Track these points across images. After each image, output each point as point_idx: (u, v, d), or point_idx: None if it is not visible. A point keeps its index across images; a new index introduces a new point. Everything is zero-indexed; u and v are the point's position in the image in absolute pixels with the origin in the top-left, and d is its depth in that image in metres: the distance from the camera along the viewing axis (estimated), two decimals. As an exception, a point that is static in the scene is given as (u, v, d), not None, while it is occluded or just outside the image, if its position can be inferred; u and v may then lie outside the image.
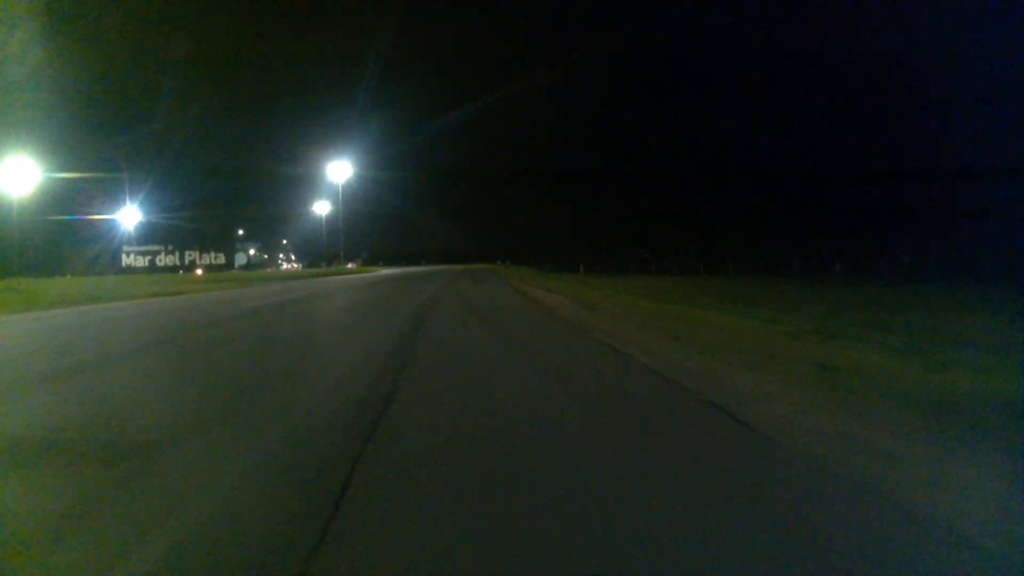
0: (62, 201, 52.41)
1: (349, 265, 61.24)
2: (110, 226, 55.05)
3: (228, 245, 58.93)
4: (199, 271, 47.78)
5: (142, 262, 54.81)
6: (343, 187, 58.05)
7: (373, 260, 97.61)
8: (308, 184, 60.07)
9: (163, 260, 55.28)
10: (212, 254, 57.32)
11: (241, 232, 74.45)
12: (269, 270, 54.47)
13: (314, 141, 63.81)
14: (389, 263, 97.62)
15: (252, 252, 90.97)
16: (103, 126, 68.12)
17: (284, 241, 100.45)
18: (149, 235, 56.91)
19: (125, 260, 54.26)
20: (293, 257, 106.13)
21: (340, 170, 54.15)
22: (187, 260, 56.02)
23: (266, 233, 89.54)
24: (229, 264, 57.55)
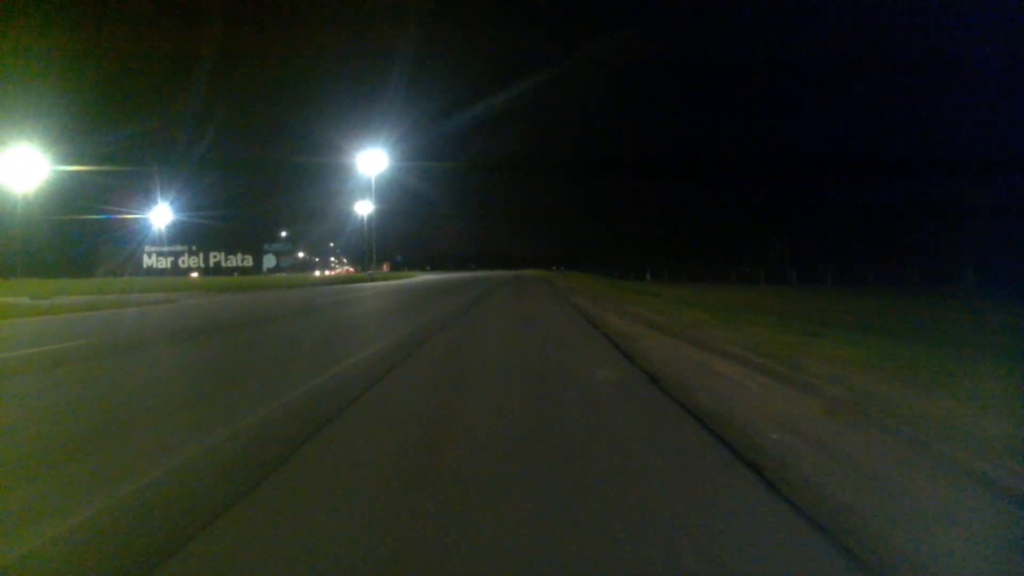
0: (85, 198, 48.81)
1: (334, 271, 54.46)
2: (139, 225, 51.09)
3: (257, 247, 53.61)
4: (194, 275, 42.17)
5: (164, 263, 50.36)
6: (379, 179, 51.43)
7: (417, 264, 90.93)
8: (348, 180, 53.63)
9: (186, 261, 50.59)
10: (239, 256, 52.16)
11: (284, 234, 70.20)
12: (288, 275, 48.31)
13: (353, 132, 56.95)
14: (438, 267, 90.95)
15: (300, 255, 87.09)
16: (130, 117, 65.41)
17: (331, 244, 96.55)
18: (178, 235, 52.62)
19: (147, 261, 49.98)
20: (345, 260, 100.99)
21: (373, 160, 47.22)
22: (212, 262, 51.11)
23: (312, 234, 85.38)
24: (257, 267, 52.23)
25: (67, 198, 47.68)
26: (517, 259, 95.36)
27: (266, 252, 53.42)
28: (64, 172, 44.71)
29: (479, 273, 69.07)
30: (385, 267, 57.03)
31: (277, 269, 52.64)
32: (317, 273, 64.97)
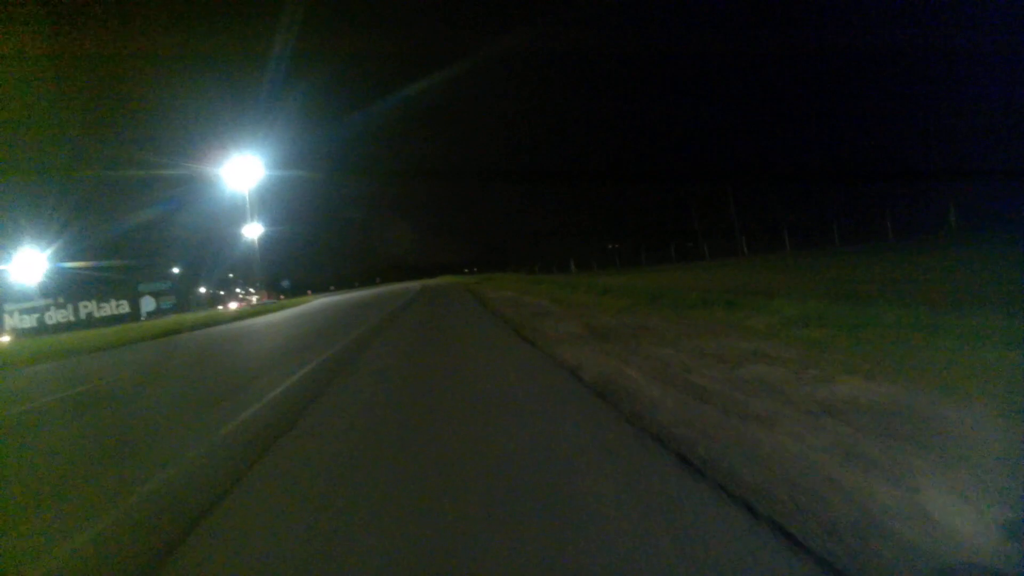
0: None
1: (247, 302, 52.44)
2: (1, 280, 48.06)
3: (133, 290, 51.73)
4: (4, 339, 39.12)
5: (29, 322, 47.73)
6: (264, 193, 49.96)
7: (321, 284, 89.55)
8: (233, 199, 50.71)
9: (53, 316, 48.17)
10: (113, 303, 50.20)
11: (176, 270, 67.66)
12: (157, 320, 47.02)
13: (233, 141, 53.33)
14: (344, 285, 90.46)
15: (202, 290, 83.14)
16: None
17: (231, 274, 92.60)
18: (50, 288, 49.91)
19: (9, 321, 47.19)
20: (252, 290, 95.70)
21: (247, 170, 44.40)
22: (83, 313, 48.93)
23: (208, 265, 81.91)
24: (134, 313, 50.43)
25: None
26: (428, 268, 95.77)
27: (142, 295, 51.66)
28: None
29: (383, 288, 68.85)
30: (255, 299, 55.89)
31: (157, 312, 51.07)
32: (221, 307, 63.05)
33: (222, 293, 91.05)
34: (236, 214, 51.18)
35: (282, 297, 74.90)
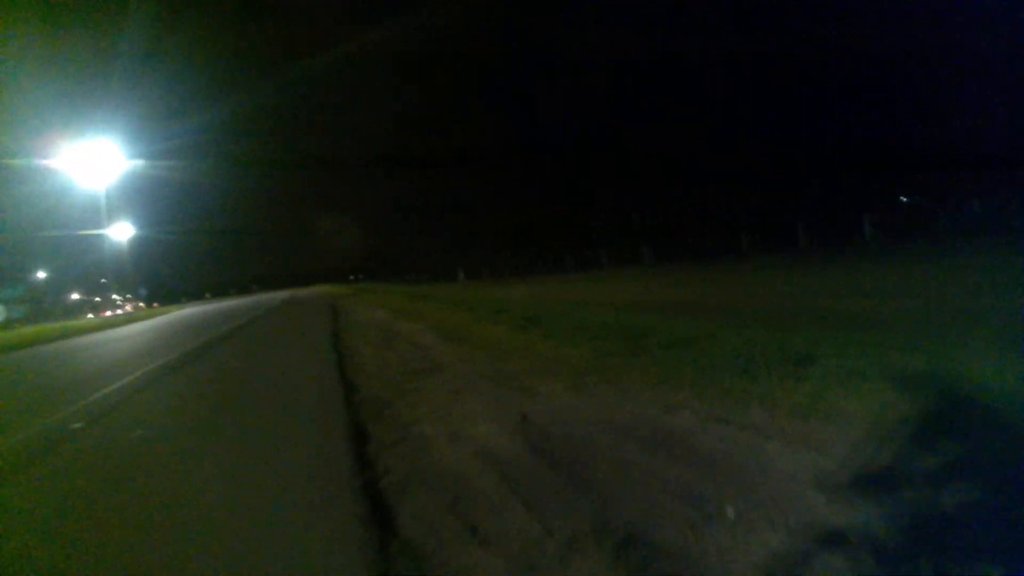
0: None
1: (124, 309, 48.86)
2: None
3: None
4: None
5: None
6: (124, 188, 49.36)
7: (194, 292, 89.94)
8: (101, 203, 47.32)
9: None
10: (-42, 312, 51.15)
11: (42, 274, 67.23)
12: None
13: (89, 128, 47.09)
14: (220, 293, 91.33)
15: (74, 296, 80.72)
16: None
17: (103, 279, 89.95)
18: None
19: None
20: (129, 296, 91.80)
21: (102, 160, 35.88)
22: (-79, 323, 49.57)
23: (80, 269, 79.73)
24: (-20, 323, 51.56)
25: None
26: (310, 274, 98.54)
27: (-6, 304, 52.90)
28: None
29: (252, 298, 70.41)
30: (128, 307, 51.99)
31: (7, 322, 52.63)
32: (92, 315, 61.47)
33: (98, 300, 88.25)
34: (107, 212, 46.07)
35: (156, 305, 75.52)
